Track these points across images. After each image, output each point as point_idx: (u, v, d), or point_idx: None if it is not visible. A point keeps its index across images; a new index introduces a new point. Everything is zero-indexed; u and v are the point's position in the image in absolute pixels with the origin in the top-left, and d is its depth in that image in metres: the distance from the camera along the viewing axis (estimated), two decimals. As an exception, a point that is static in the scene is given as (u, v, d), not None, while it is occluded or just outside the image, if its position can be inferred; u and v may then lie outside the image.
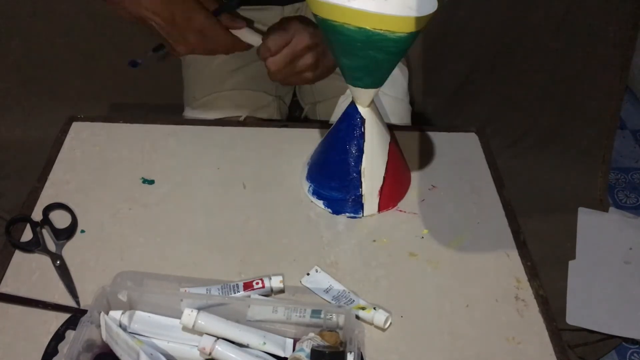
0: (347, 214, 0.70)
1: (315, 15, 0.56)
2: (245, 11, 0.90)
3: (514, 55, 1.29)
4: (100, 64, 1.27)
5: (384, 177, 0.69)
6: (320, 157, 0.71)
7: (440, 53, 1.30)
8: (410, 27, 0.53)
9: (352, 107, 0.66)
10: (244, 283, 0.60)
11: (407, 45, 0.56)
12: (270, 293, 0.60)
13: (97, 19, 1.21)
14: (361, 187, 0.68)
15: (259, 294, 0.59)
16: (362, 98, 0.64)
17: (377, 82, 0.62)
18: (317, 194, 0.71)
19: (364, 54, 0.57)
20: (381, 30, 0.53)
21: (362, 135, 0.66)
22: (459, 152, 0.80)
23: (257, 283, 0.60)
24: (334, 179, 0.69)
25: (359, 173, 0.68)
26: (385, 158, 0.68)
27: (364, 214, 0.70)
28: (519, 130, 1.40)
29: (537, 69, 1.30)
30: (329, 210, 0.70)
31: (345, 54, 0.58)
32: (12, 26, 1.21)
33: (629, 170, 1.65)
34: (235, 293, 0.58)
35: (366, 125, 0.66)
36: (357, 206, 0.69)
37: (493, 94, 1.35)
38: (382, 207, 0.70)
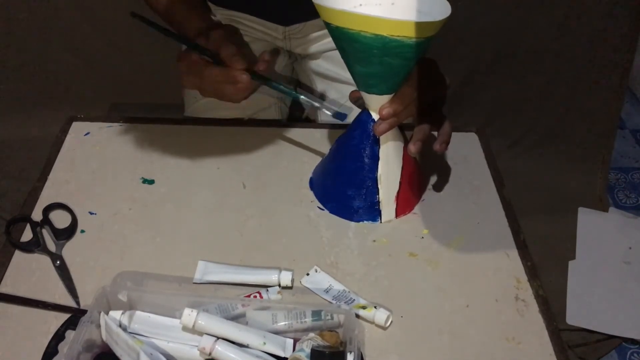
0: (365, 222, 0.69)
1: (327, 24, 0.56)
2: (249, 29, 0.90)
3: (514, 55, 1.29)
4: (100, 64, 1.27)
5: (400, 183, 0.68)
6: (332, 165, 0.70)
7: (439, 53, 1.30)
8: (427, 32, 0.53)
9: (366, 113, 0.65)
10: (242, 299, 0.58)
11: (423, 50, 0.56)
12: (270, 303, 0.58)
13: (97, 20, 1.21)
14: (378, 194, 0.68)
15: (258, 306, 0.56)
16: (376, 104, 0.63)
17: (391, 88, 0.61)
18: (330, 202, 0.70)
19: (380, 60, 0.56)
20: (398, 36, 0.53)
21: (377, 141, 0.65)
22: (459, 152, 0.79)
23: (255, 297, 0.59)
24: (349, 187, 0.68)
25: (375, 180, 0.67)
26: (401, 163, 0.67)
27: (382, 221, 0.69)
28: (519, 130, 1.40)
29: (538, 69, 1.30)
30: (345, 218, 0.69)
31: (360, 61, 0.57)
32: (12, 27, 1.21)
33: (629, 170, 1.64)
34: (233, 311, 0.56)
35: None
36: (374, 213, 0.69)
37: (493, 94, 1.35)
38: (399, 212, 0.70)
